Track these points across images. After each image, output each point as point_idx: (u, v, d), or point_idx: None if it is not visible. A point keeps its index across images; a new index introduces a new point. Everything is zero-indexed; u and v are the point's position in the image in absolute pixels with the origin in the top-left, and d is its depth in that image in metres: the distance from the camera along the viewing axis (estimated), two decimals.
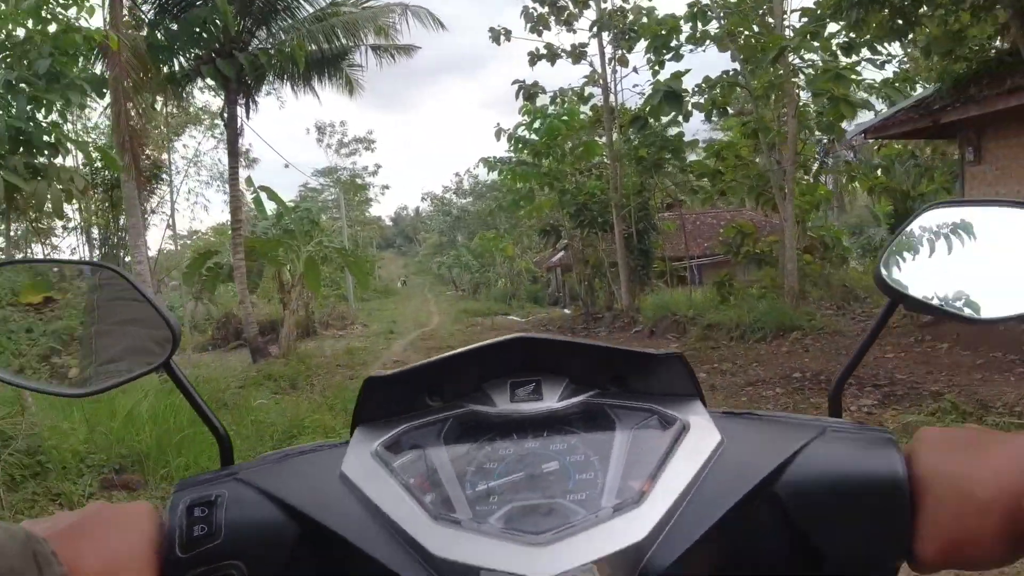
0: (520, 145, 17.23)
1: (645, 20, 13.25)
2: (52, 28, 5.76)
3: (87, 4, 6.09)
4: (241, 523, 0.51)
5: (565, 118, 16.64)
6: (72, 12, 6.02)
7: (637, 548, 0.45)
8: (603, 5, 14.83)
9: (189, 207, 41.15)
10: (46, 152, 6.21)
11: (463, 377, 0.61)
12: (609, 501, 0.49)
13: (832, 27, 10.67)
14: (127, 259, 14.51)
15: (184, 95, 13.31)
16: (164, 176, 22.45)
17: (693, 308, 12.21)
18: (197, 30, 10.72)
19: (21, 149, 6.02)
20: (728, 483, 0.50)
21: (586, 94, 16.16)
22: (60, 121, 6.82)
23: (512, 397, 0.59)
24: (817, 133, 12.41)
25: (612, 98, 15.88)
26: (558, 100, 16.54)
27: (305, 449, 0.60)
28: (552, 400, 0.58)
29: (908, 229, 0.63)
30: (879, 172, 16.28)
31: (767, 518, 0.50)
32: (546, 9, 14.85)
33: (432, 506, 0.50)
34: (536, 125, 17.06)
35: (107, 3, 8.93)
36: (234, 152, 12.05)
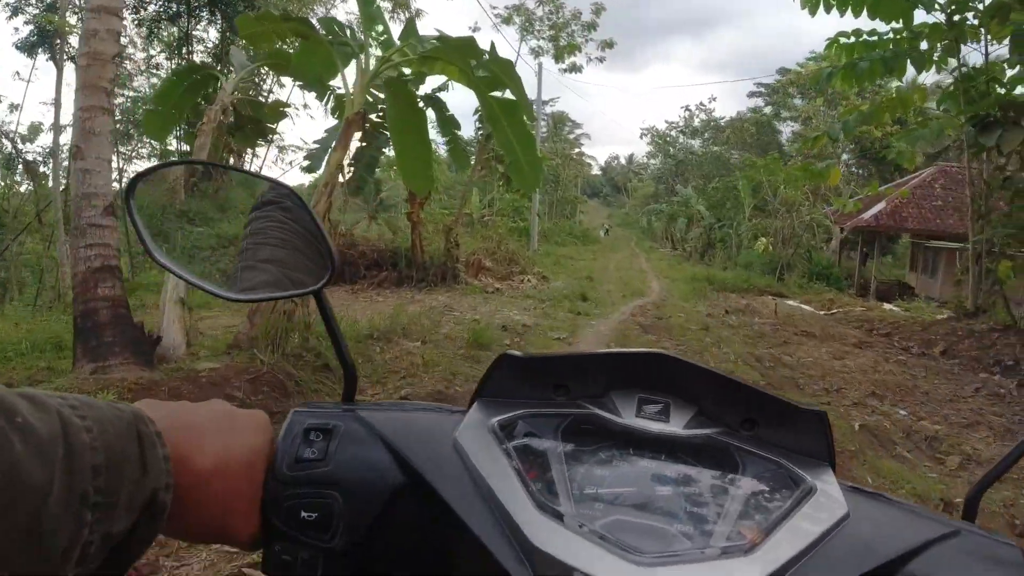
0: None
1: None
2: None
3: None
4: (350, 458, 0.53)
5: None
6: None
7: None
8: None
9: None
10: None
11: (592, 380, 0.60)
12: (718, 541, 0.48)
13: None
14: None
15: None
16: None
17: None
18: None
19: None
20: (846, 558, 0.48)
21: None
22: None
23: (639, 412, 0.58)
24: None
25: None
26: None
27: (421, 406, 0.60)
28: (678, 426, 0.58)
29: None
30: None
31: None
32: None
33: (538, 495, 0.50)
34: None
35: None
36: None
